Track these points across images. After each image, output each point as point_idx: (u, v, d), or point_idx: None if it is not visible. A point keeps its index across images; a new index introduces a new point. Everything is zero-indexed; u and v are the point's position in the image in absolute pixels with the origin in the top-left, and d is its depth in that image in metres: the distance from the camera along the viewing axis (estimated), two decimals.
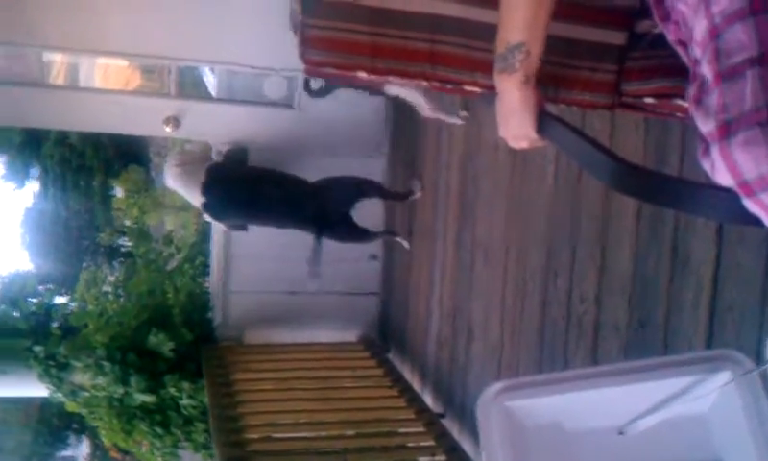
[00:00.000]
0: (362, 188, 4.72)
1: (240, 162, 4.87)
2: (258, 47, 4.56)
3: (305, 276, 4.70)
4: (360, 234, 4.83)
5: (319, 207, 4.58)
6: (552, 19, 1.15)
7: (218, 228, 5.13)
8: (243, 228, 4.97)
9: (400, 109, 5.12)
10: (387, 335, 5.39)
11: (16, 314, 5.85)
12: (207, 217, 4.88)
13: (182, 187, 4.76)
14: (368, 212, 4.92)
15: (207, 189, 4.60)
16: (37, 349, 5.09)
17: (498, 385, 1.66)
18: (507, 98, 1.20)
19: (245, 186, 4.70)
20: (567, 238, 2.94)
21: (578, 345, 2.86)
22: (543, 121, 1.22)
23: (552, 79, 1.32)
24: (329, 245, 4.92)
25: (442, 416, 4.16)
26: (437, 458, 3.70)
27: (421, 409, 4.14)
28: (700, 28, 0.94)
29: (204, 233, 6.51)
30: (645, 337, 2.46)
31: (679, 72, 1.18)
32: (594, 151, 1.13)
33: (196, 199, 4.67)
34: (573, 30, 1.31)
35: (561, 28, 1.28)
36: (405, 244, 4.88)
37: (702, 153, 0.97)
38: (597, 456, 1.69)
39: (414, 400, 4.27)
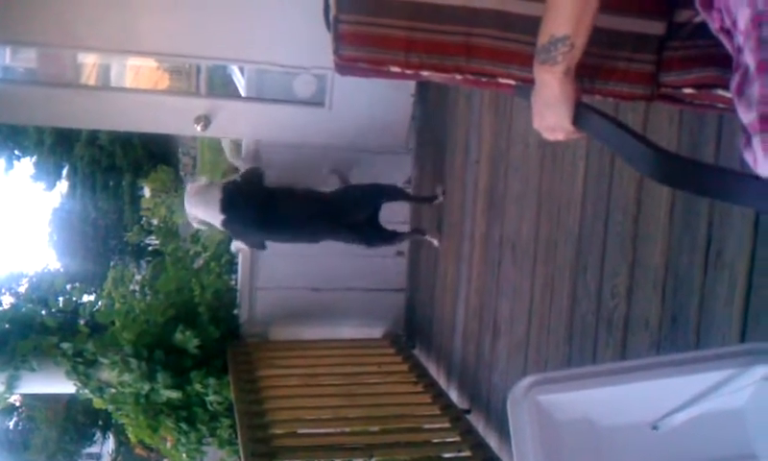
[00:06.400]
0: (384, 192, 4.77)
1: (256, 181, 4.87)
2: (288, 45, 4.59)
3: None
4: (388, 237, 4.85)
5: (344, 215, 4.63)
6: None
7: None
8: (263, 246, 5.00)
9: (428, 107, 5.13)
10: (412, 331, 5.39)
11: (44, 312, 5.92)
12: (229, 233, 4.90)
13: (202, 208, 4.74)
14: (394, 211, 4.99)
15: (226, 205, 4.62)
16: (65, 346, 5.14)
17: (530, 379, 1.65)
18: (546, 90, 1.20)
19: (265, 202, 4.71)
20: (598, 233, 2.93)
21: (608, 340, 2.85)
22: (580, 112, 1.22)
23: (588, 70, 1.32)
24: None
25: (467, 412, 4.16)
26: (462, 454, 3.70)
27: (447, 405, 4.14)
28: (743, 16, 0.93)
29: None
30: (677, 333, 2.44)
31: (720, 62, 1.17)
32: (633, 140, 1.12)
33: (216, 217, 4.67)
34: (610, 20, 1.30)
35: (599, 18, 1.27)
36: (435, 242, 4.83)
37: (744, 144, 0.96)
38: (630, 451, 1.68)
39: (439, 395, 4.27)
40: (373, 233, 4.75)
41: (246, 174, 4.91)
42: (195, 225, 5.05)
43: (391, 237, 4.87)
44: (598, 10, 1.12)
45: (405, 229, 5.23)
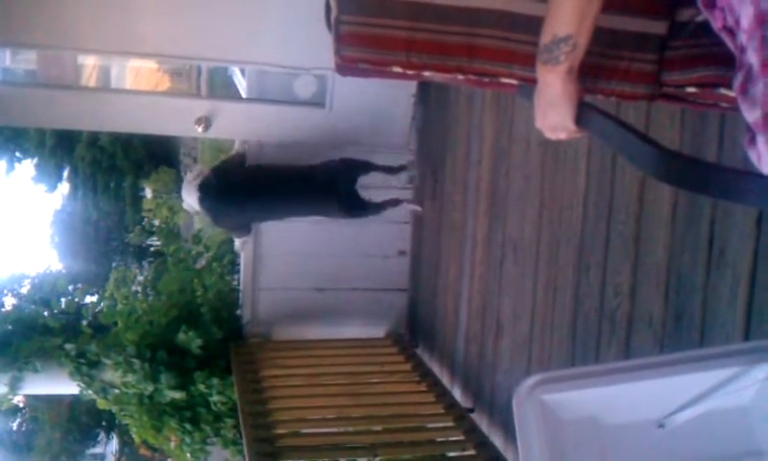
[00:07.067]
0: (355, 164, 4.92)
1: (236, 164, 4.98)
2: (288, 46, 4.59)
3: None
4: (366, 206, 4.98)
5: (321, 187, 4.75)
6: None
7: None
8: (247, 230, 5.02)
9: (429, 107, 5.13)
10: (415, 331, 5.40)
11: (47, 313, 5.92)
12: (207, 218, 4.96)
13: (188, 194, 4.85)
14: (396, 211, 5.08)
15: (202, 185, 4.74)
16: (69, 347, 5.15)
17: (534, 378, 1.65)
18: (548, 89, 1.20)
19: (244, 181, 4.83)
20: (601, 232, 2.93)
21: (611, 339, 2.85)
22: (583, 112, 1.22)
23: (590, 69, 1.31)
24: (355, 240, 5.12)
25: (471, 411, 4.16)
26: (466, 453, 3.71)
27: (450, 404, 4.15)
28: (747, 14, 0.93)
29: None
30: (680, 331, 2.44)
31: (723, 61, 1.17)
32: (636, 140, 1.12)
33: (194, 198, 4.76)
34: (612, 19, 1.30)
35: (600, 18, 1.27)
36: (416, 208, 4.99)
37: (748, 142, 0.96)
38: (636, 449, 1.68)
39: (443, 394, 4.28)
40: (352, 203, 4.89)
41: (227, 158, 5.00)
42: (189, 211, 5.18)
43: (368, 206, 5.00)
44: (600, 9, 1.12)
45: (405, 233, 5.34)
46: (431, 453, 3.82)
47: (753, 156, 0.95)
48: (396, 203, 5.15)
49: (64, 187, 19.44)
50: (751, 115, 0.94)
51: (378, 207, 5.06)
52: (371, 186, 5.03)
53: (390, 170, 5.14)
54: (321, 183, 4.77)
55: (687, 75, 1.30)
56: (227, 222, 5.07)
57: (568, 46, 1.13)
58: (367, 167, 4.96)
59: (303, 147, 5.07)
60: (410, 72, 1.54)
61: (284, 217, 5.00)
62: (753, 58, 0.93)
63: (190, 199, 4.83)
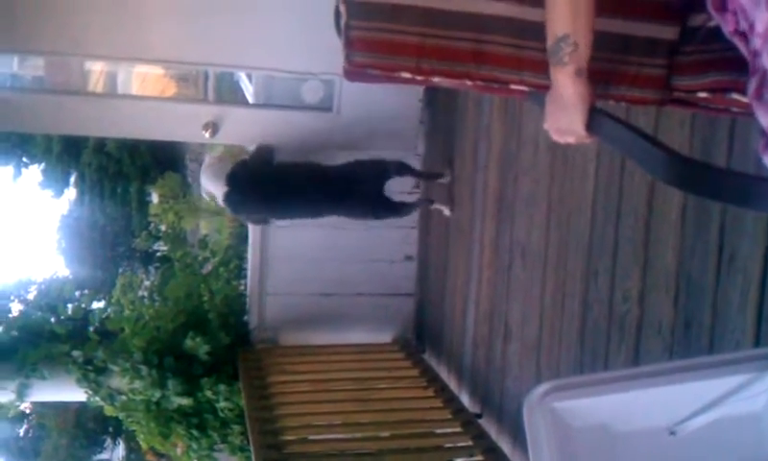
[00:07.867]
0: (390, 167, 4.77)
1: (266, 159, 4.89)
2: (296, 51, 4.60)
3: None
4: (396, 207, 4.85)
5: (349, 189, 4.64)
6: (600, 13, 1.15)
7: (254, 230, 5.16)
8: (265, 221, 4.98)
9: (437, 111, 5.12)
10: (422, 336, 5.38)
11: (54, 319, 5.93)
12: (229, 209, 4.91)
13: (211, 180, 4.82)
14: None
15: (231, 179, 4.64)
16: (76, 353, 5.16)
17: (545, 386, 1.64)
18: (561, 91, 1.20)
19: (271, 178, 4.73)
20: (609, 237, 2.92)
21: (620, 345, 2.83)
22: (593, 117, 1.22)
23: (600, 75, 1.31)
24: (362, 245, 5.08)
25: (479, 416, 4.14)
26: (474, 459, 3.69)
27: (458, 409, 4.13)
28: (761, 19, 0.92)
29: (239, 237, 6.55)
30: (690, 337, 2.43)
31: (735, 66, 1.16)
32: (646, 144, 1.12)
33: (220, 190, 4.69)
34: (621, 25, 1.30)
35: (608, 23, 1.27)
36: (446, 211, 4.83)
37: (763, 148, 0.95)
38: (647, 457, 1.67)
39: (450, 400, 4.26)
40: (380, 205, 4.75)
41: (255, 151, 4.94)
42: (207, 198, 5.12)
43: (398, 208, 4.87)
44: (593, 5, 1.12)
45: (412, 237, 5.30)
46: (439, 459, 3.81)
47: (767, 161, 0.94)
48: (429, 202, 5.02)
49: (71, 193, 19.48)
50: (767, 120, 0.93)
51: (410, 208, 4.97)
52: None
53: (427, 176, 5.08)
54: (350, 184, 4.65)
55: (699, 80, 1.29)
56: (251, 216, 4.98)
57: (569, 46, 1.14)
58: (401, 169, 4.84)
59: (319, 150, 5.06)
60: (419, 78, 1.54)
61: (310, 217, 4.87)
62: (767, 63, 0.92)
63: (211, 185, 4.80)
